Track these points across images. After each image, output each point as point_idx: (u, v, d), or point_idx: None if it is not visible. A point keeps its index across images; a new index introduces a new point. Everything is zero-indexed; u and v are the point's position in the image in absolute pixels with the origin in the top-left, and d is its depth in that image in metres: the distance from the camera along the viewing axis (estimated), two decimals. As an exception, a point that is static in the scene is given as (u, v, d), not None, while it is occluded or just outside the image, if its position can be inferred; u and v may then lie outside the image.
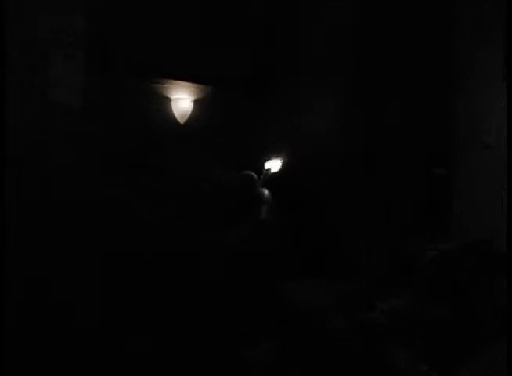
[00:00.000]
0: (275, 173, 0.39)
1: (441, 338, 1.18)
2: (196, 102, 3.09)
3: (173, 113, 3.04)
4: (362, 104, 2.79)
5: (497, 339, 1.08)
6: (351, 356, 1.13)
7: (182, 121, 3.05)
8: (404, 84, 2.77)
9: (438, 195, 2.83)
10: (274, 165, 0.39)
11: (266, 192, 0.38)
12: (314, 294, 1.39)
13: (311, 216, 2.57)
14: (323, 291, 1.43)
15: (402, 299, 1.41)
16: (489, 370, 1.03)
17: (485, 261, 1.51)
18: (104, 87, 2.62)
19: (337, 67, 2.85)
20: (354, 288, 1.52)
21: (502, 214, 1.53)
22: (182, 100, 3.04)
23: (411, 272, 1.69)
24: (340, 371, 1.09)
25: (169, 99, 3.05)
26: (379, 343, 1.17)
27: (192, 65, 2.95)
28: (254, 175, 0.38)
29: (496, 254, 1.52)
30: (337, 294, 1.42)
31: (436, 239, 2.12)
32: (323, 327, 1.22)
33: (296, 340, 1.11)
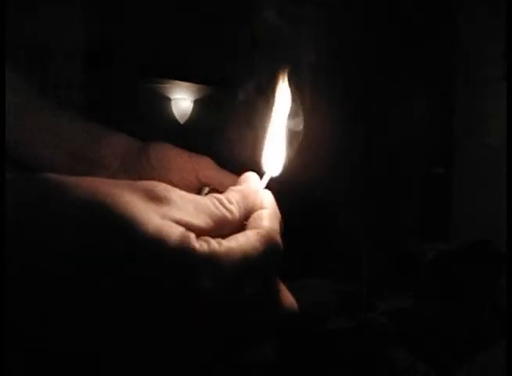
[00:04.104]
0: (277, 176, 0.38)
1: (441, 338, 1.18)
2: (196, 102, 3.09)
3: (173, 113, 3.04)
4: (362, 103, 2.79)
5: (497, 339, 1.07)
6: (351, 356, 1.13)
7: (182, 121, 3.05)
8: (404, 83, 2.76)
9: (437, 195, 2.83)
10: (276, 166, 0.37)
11: (269, 195, 0.36)
12: (314, 294, 1.39)
13: (310, 216, 2.57)
14: (323, 291, 1.43)
15: (401, 299, 1.40)
16: (489, 370, 1.03)
17: (485, 261, 1.51)
18: (104, 87, 2.61)
19: (337, 63, 2.84)
20: (354, 288, 1.51)
21: (502, 214, 1.53)
22: (182, 100, 3.04)
23: (411, 272, 1.69)
24: (340, 371, 1.09)
25: (169, 99, 3.05)
26: (379, 343, 1.17)
27: (193, 65, 2.94)
28: (256, 177, 0.36)
29: (496, 255, 1.51)
30: (337, 294, 1.41)
31: (436, 239, 2.12)
32: (323, 327, 1.22)
33: (296, 340, 1.10)
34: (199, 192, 0.49)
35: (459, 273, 1.45)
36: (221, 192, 0.31)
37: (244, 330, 0.27)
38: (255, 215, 0.30)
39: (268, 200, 0.33)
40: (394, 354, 1.11)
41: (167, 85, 3.00)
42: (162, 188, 0.27)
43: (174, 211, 0.26)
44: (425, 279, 1.55)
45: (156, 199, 0.26)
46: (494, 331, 1.14)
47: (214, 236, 0.26)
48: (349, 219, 2.70)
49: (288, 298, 0.29)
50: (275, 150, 0.38)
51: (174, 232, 0.24)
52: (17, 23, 1.99)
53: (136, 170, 0.52)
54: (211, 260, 0.25)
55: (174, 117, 3.03)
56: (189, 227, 0.26)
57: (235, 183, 0.33)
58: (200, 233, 0.26)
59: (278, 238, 0.29)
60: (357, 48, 2.79)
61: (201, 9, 2.88)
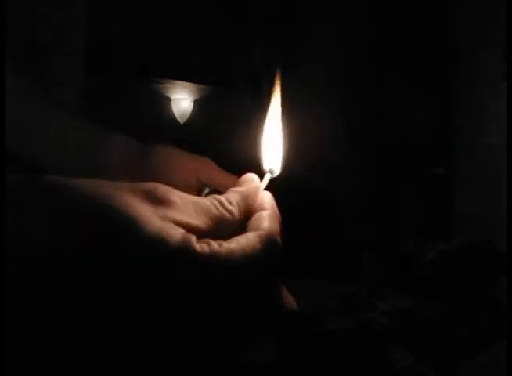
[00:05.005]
0: (277, 176, 0.37)
1: (441, 338, 1.18)
2: (196, 102, 3.09)
3: (173, 113, 3.04)
4: (363, 103, 2.79)
5: (497, 339, 1.08)
6: (351, 356, 1.13)
7: (182, 121, 3.05)
8: (404, 83, 2.76)
9: (437, 195, 2.83)
10: (276, 166, 0.36)
11: (269, 196, 0.35)
12: (314, 295, 1.39)
13: (311, 217, 2.57)
14: (323, 291, 1.43)
15: (401, 299, 1.40)
16: (489, 370, 1.03)
17: (485, 261, 1.51)
18: (104, 87, 2.61)
19: (337, 62, 2.84)
20: (354, 288, 1.52)
21: (502, 214, 1.53)
22: (182, 100, 3.05)
23: (411, 272, 1.69)
24: (340, 371, 1.09)
25: (169, 99, 3.05)
26: (379, 343, 1.17)
27: (193, 65, 2.94)
28: (256, 178, 0.36)
29: (496, 255, 1.51)
30: (337, 294, 1.42)
31: (436, 239, 2.12)
32: (323, 327, 1.22)
33: (296, 340, 1.10)
34: (199, 192, 0.49)
35: (459, 273, 1.46)
36: (221, 192, 0.31)
37: (244, 330, 0.27)
38: (256, 216, 0.31)
39: (268, 201, 0.33)
40: (394, 354, 1.11)
41: (167, 85, 3.00)
42: (162, 189, 0.27)
43: (174, 212, 0.26)
44: (425, 279, 1.55)
45: (157, 200, 0.26)
46: (494, 331, 1.14)
47: (214, 237, 0.26)
48: (349, 219, 2.70)
49: (288, 298, 0.29)
50: (274, 150, 0.38)
51: (175, 233, 0.25)
52: (17, 22, 1.99)
53: (136, 170, 0.52)
54: (212, 261, 0.25)
55: (174, 117, 3.03)
56: (189, 228, 0.26)
57: (235, 184, 0.33)
58: (200, 234, 0.26)
59: (278, 239, 0.29)
60: (358, 48, 2.79)
61: (201, 10, 2.88)
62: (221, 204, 0.29)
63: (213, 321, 0.25)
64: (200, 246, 0.25)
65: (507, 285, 1.19)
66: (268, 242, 0.27)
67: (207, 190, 0.49)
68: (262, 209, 0.31)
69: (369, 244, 2.47)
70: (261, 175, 0.36)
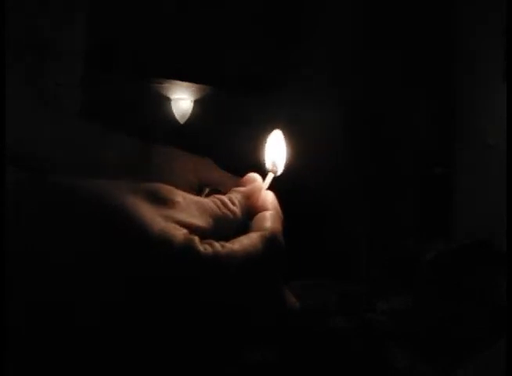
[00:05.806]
0: (279, 175, 0.37)
1: (441, 338, 1.18)
2: (196, 102, 3.09)
3: (173, 113, 3.04)
4: (363, 103, 2.79)
5: (497, 339, 1.08)
6: (351, 356, 1.13)
7: (182, 121, 3.05)
8: (405, 83, 2.76)
9: (437, 195, 2.83)
10: (279, 165, 0.36)
11: (271, 196, 0.35)
12: (314, 294, 1.39)
13: (311, 217, 2.57)
14: (323, 291, 1.43)
15: (401, 299, 1.41)
16: (489, 370, 1.03)
17: (485, 261, 1.51)
18: (104, 87, 2.61)
19: (337, 62, 2.84)
20: (354, 288, 1.52)
21: (502, 214, 1.53)
22: (182, 100, 3.04)
23: (411, 272, 1.69)
24: (340, 371, 1.09)
25: (169, 99, 3.05)
26: (379, 343, 1.17)
27: (193, 65, 2.94)
28: (258, 177, 0.35)
29: (496, 255, 1.52)
30: (337, 294, 1.42)
31: (436, 239, 2.12)
32: (323, 327, 1.22)
33: (296, 340, 1.10)
34: (200, 192, 0.49)
35: (459, 273, 1.46)
36: (221, 191, 0.31)
37: (246, 330, 0.27)
38: (258, 216, 0.31)
39: (270, 200, 0.33)
40: (394, 354, 1.11)
41: (167, 85, 3.00)
42: (165, 190, 0.27)
43: (177, 212, 0.26)
44: (425, 279, 1.55)
45: (160, 201, 0.26)
46: (494, 331, 1.14)
47: (217, 237, 0.26)
48: (349, 219, 2.70)
49: (290, 298, 0.29)
50: (277, 150, 0.38)
51: (179, 234, 0.25)
52: (18, 22, 1.99)
53: (137, 171, 0.52)
54: (215, 262, 0.25)
55: (174, 117, 3.03)
56: (192, 228, 0.26)
57: (236, 184, 0.34)
58: (202, 233, 0.26)
59: (281, 239, 0.29)
60: (357, 48, 2.79)
61: (201, 9, 2.88)
62: (224, 204, 0.29)
63: (215, 321, 0.25)
64: (203, 247, 0.25)
65: (507, 285, 1.19)
66: (270, 243, 0.28)
67: (207, 190, 0.49)
68: (265, 209, 0.31)
69: (369, 244, 2.47)
70: (264, 175, 0.36)
